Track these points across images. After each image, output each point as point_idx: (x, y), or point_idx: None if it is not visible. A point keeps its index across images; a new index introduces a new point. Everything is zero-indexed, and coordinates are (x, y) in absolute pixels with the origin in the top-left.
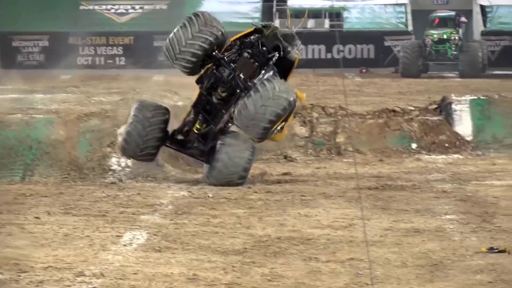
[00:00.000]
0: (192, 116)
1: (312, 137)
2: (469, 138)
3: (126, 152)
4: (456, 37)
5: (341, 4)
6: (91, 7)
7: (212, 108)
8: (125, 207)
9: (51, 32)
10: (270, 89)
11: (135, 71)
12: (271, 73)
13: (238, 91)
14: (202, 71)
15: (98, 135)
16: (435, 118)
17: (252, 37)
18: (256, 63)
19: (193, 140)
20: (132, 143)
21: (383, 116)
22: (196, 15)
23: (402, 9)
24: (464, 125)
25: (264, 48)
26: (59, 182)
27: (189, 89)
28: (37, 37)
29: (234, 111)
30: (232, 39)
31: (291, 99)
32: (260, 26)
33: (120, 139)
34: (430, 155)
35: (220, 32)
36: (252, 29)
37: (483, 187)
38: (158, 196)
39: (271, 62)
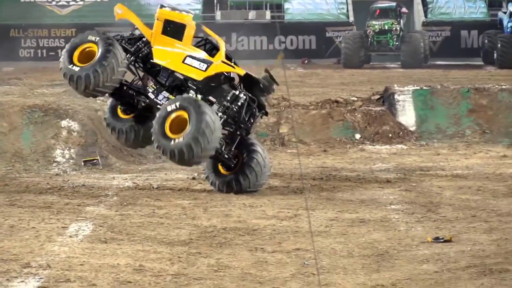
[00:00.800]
0: None
1: (255, 128)
2: (412, 128)
3: None
4: (398, 28)
5: None
6: (32, 0)
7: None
8: (70, 198)
9: None
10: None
11: None
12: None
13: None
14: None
15: (41, 127)
16: (378, 108)
17: (242, 94)
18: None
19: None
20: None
21: (326, 107)
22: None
23: (343, 0)
24: (407, 115)
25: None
26: (4, 174)
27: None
28: None
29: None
30: (218, 70)
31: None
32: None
33: None
34: (374, 145)
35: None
36: (242, 73)
37: (427, 177)
38: (103, 187)
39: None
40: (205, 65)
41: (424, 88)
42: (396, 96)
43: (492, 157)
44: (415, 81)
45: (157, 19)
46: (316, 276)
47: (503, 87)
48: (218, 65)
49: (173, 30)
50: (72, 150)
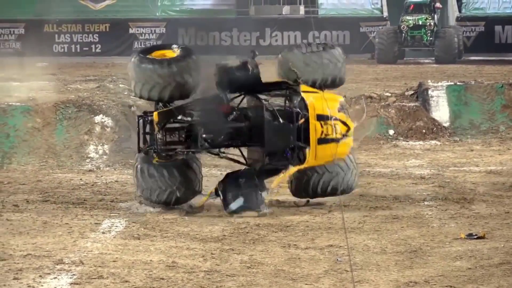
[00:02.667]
0: None
1: None
2: (446, 124)
3: None
4: (432, 23)
5: None
6: None
7: None
8: (104, 194)
9: (26, 19)
10: None
11: (111, 58)
12: None
13: None
14: None
15: (75, 122)
16: (412, 104)
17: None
18: None
19: None
20: None
21: (360, 102)
22: None
23: None
24: (441, 111)
25: None
26: (37, 169)
27: None
28: (13, 25)
29: None
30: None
31: None
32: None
33: None
34: (407, 141)
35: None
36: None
37: (461, 173)
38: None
39: None
40: None
41: (458, 83)
42: (430, 92)
43: None
44: (449, 76)
45: None
46: (349, 273)
47: None
48: None
49: None
50: (105, 146)
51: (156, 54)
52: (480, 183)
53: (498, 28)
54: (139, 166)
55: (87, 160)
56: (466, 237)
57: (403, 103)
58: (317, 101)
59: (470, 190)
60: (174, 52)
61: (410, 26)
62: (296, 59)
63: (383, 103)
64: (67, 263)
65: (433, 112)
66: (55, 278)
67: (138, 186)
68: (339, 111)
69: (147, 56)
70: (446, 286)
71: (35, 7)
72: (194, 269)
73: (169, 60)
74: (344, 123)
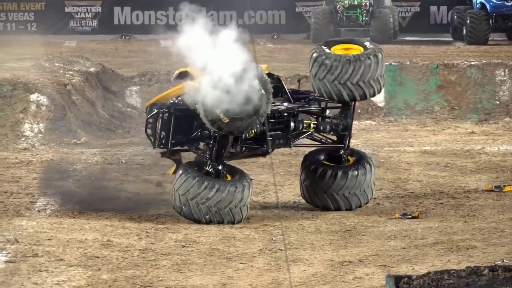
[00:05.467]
0: None
1: None
2: (381, 104)
3: None
4: (367, 3)
5: None
6: None
7: None
8: (39, 173)
9: None
10: None
11: (47, 37)
12: None
13: None
14: None
15: (10, 101)
16: None
17: None
18: None
19: None
20: None
21: (295, 81)
22: None
23: None
24: None
25: None
26: None
27: (103, 55)
28: None
29: None
30: None
31: None
32: None
33: None
34: None
35: None
36: None
37: (395, 153)
38: (72, 162)
39: None
40: None
41: (393, 64)
42: None
43: (460, 133)
44: (385, 56)
45: None
46: (283, 252)
47: (472, 63)
48: None
49: None
50: (41, 125)
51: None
52: (415, 163)
53: (433, 8)
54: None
55: (22, 139)
56: (400, 217)
57: None
58: None
59: (405, 170)
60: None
61: (346, 6)
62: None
63: None
64: (1, 241)
65: None
66: None
67: None
68: None
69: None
70: (380, 265)
71: None
72: (129, 248)
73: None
74: None
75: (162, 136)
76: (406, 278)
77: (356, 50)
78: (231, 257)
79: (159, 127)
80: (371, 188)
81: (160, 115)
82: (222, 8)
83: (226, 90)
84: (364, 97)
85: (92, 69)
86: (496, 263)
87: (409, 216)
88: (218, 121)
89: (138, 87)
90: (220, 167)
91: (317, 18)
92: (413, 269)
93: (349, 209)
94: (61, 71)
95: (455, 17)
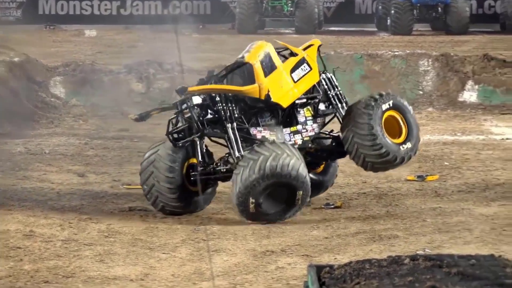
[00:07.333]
0: None
1: (148, 93)
2: None
3: None
4: None
5: None
6: None
7: None
8: None
9: None
10: None
11: None
12: None
13: None
14: None
15: None
16: None
17: None
18: None
19: None
20: None
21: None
22: None
23: None
24: None
25: None
26: None
27: (27, 45)
28: None
29: None
30: None
31: None
32: None
33: None
34: None
35: None
36: None
37: None
38: None
39: None
40: None
41: None
42: None
43: None
44: None
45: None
46: (206, 242)
47: (396, 53)
48: None
49: None
50: None
51: None
52: None
53: None
54: None
55: None
56: (323, 206)
57: None
58: None
59: None
60: None
61: None
62: None
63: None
64: None
65: None
66: None
67: None
68: None
69: None
70: (303, 255)
71: None
72: (51, 238)
73: None
74: None
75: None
76: (327, 268)
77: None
78: (154, 247)
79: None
80: None
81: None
82: None
83: None
84: None
85: (16, 59)
86: (417, 252)
87: (332, 206)
88: None
89: (62, 77)
90: None
91: (242, 8)
92: (335, 258)
93: None
94: None
95: (380, 7)
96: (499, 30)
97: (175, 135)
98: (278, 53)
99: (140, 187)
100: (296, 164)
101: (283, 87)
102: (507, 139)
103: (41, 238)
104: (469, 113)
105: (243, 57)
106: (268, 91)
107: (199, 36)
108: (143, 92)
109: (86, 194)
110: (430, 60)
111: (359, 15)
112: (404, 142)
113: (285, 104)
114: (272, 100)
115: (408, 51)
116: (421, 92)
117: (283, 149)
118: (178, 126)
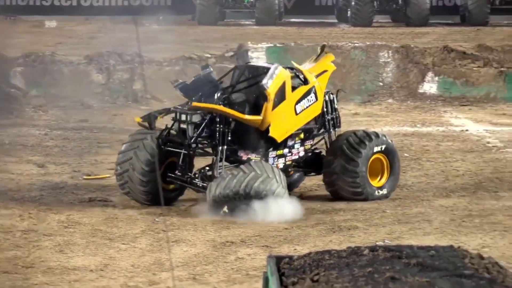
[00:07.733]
0: None
1: (108, 84)
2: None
3: None
4: None
5: None
6: None
7: None
8: None
9: None
10: None
11: None
12: None
13: None
14: None
15: None
16: (232, 65)
17: None
18: None
19: None
20: None
21: (180, 63)
22: None
23: None
24: None
25: None
26: None
27: None
28: None
29: None
30: None
31: None
32: None
33: None
34: None
35: None
36: None
37: None
38: None
39: None
40: None
41: (277, 45)
42: (249, 53)
43: (344, 114)
44: (269, 38)
45: None
46: (166, 232)
47: (356, 45)
48: None
49: None
50: None
51: None
52: None
53: None
54: None
55: None
56: None
57: (223, 64)
58: None
59: None
60: None
61: None
62: None
63: (203, 64)
64: None
65: None
66: None
67: None
68: None
69: None
70: (263, 246)
71: None
72: (11, 229)
73: None
74: None
75: None
76: (287, 259)
77: None
78: (114, 238)
79: None
80: None
81: None
82: None
83: None
84: None
85: None
86: (377, 243)
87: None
88: None
89: (22, 68)
90: None
91: (202, 0)
92: (295, 249)
93: None
94: None
95: None
96: (459, 22)
97: (165, 140)
98: (292, 76)
99: (100, 177)
100: (274, 186)
101: (284, 123)
102: (466, 130)
103: (1, 228)
104: (429, 105)
105: (266, 83)
106: (269, 125)
107: (158, 27)
108: (103, 83)
109: (46, 184)
110: (390, 51)
111: (320, 6)
112: (381, 188)
113: (280, 139)
114: (269, 134)
115: (368, 43)
116: (381, 84)
117: (265, 170)
118: (170, 133)
